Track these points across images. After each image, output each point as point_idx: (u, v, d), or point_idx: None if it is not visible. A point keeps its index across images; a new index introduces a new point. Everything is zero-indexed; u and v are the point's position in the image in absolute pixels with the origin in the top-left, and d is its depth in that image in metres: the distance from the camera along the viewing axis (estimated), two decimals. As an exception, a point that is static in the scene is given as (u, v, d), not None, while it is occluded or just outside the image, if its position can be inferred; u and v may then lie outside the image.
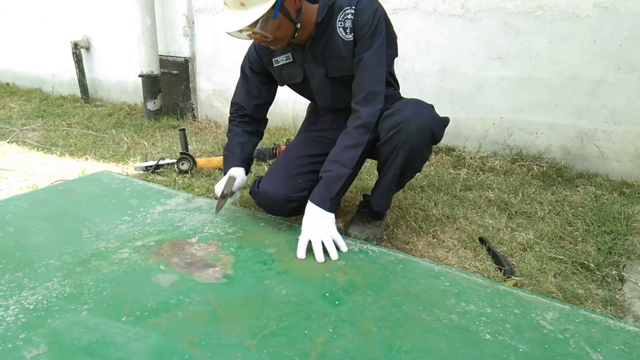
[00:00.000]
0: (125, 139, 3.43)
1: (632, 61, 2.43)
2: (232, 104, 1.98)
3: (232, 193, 1.84)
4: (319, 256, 1.56)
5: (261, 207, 1.85)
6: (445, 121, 1.68)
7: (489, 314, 1.31)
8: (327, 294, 1.38)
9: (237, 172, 1.84)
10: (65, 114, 4.40)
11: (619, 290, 1.54)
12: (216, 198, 1.86)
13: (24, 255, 1.59)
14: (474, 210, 2.19)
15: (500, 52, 2.75)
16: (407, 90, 2.85)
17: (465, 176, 2.61)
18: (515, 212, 2.17)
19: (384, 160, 1.68)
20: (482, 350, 1.17)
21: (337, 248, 1.62)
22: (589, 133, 2.62)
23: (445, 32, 2.86)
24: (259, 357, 1.12)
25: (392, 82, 1.91)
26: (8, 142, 3.45)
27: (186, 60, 3.96)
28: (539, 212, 2.16)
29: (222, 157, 2.66)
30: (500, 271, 1.63)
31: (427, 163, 2.83)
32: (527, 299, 1.39)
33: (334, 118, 1.94)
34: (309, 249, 1.60)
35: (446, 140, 3.01)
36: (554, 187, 2.48)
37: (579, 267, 1.67)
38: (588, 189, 2.42)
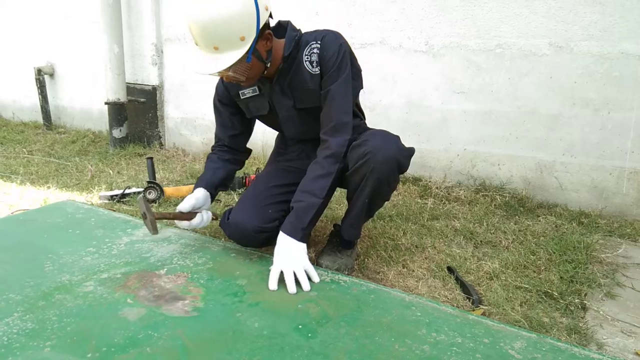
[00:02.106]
0: (90, 166, 3.35)
1: (585, 97, 2.57)
2: (215, 135, 2.00)
3: (150, 214, 1.75)
4: (291, 287, 1.55)
5: (232, 239, 1.84)
6: (410, 151, 1.73)
7: (459, 343, 1.33)
8: (300, 326, 1.37)
9: (199, 193, 1.82)
10: (26, 140, 4.27)
11: (581, 318, 1.59)
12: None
13: (-18, 289, 1.52)
14: (441, 240, 2.23)
15: (462, 87, 2.86)
16: (375, 121, 2.93)
17: (432, 205, 2.67)
18: (481, 241, 2.23)
19: (353, 189, 1.71)
20: (455, 381, 1.18)
21: (309, 278, 1.62)
22: (547, 165, 2.74)
23: (411, 67, 2.97)
24: (231, 393, 1.10)
25: (357, 113, 1.96)
26: (-36, 170, 3.32)
27: (154, 89, 3.93)
28: (503, 242, 2.22)
29: (190, 186, 2.66)
30: (469, 300, 1.66)
31: (395, 192, 2.89)
32: (495, 328, 1.42)
33: (302, 148, 1.96)
34: (281, 280, 1.59)
35: (413, 171, 3.08)
36: (517, 216, 2.56)
37: (543, 296, 1.72)
38: (549, 219, 2.51)
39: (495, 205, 2.70)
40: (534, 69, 2.66)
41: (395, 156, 1.64)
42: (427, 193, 2.86)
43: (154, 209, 2.39)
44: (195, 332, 1.33)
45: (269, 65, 1.68)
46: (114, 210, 2.35)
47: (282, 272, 1.59)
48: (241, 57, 1.52)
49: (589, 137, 2.61)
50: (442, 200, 2.78)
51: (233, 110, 1.93)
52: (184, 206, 1.77)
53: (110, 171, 3.32)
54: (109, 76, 3.77)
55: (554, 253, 2.05)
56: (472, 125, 2.89)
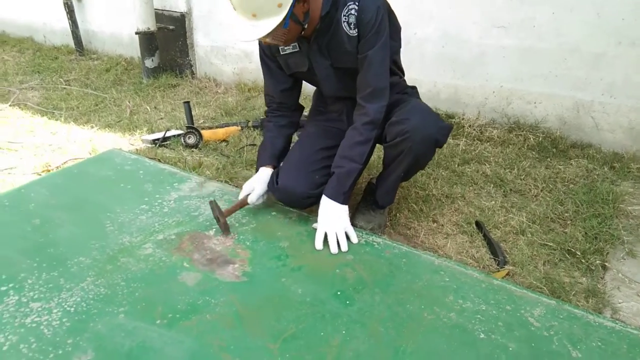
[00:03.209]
0: (128, 102, 3.45)
1: (633, 36, 2.45)
2: (265, 95, 2.03)
3: (223, 217, 1.82)
4: (333, 248, 1.70)
5: (280, 202, 1.94)
6: (448, 129, 1.76)
7: (483, 311, 1.47)
8: (339, 293, 1.53)
9: (264, 175, 1.91)
10: (62, 68, 4.36)
11: (601, 278, 1.70)
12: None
13: (55, 252, 1.71)
14: (471, 188, 2.31)
15: (502, 21, 2.74)
16: (409, 56, 2.89)
17: (463, 147, 2.71)
18: (510, 189, 2.30)
19: (390, 160, 1.78)
20: (478, 350, 1.33)
21: (348, 238, 1.76)
22: (585, 104, 2.69)
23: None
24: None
25: (396, 71, 1.96)
26: (10, 106, 3.47)
27: (182, 16, 3.88)
28: (532, 190, 2.28)
29: (226, 128, 2.75)
30: (495, 260, 1.78)
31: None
32: (517, 294, 1.55)
33: (341, 107, 1.99)
34: (324, 239, 1.74)
35: (446, 107, 3.08)
36: (549, 159, 2.59)
37: (566, 254, 1.82)
38: (580, 162, 2.53)
39: (527, 146, 2.72)
40: (580, 4, 2.52)
41: (434, 136, 1.69)
42: (459, 132, 2.88)
43: (194, 155, 2.50)
44: (246, 298, 1.51)
45: (306, 26, 1.67)
46: (158, 160, 2.49)
47: (325, 233, 1.74)
48: (279, 24, 1.53)
49: (631, 78, 2.53)
50: (474, 141, 2.80)
51: (279, 63, 1.95)
52: (252, 198, 1.87)
53: (147, 107, 3.42)
54: (137, 4, 3.71)
55: (582, 205, 2.12)
56: (510, 62, 2.81)
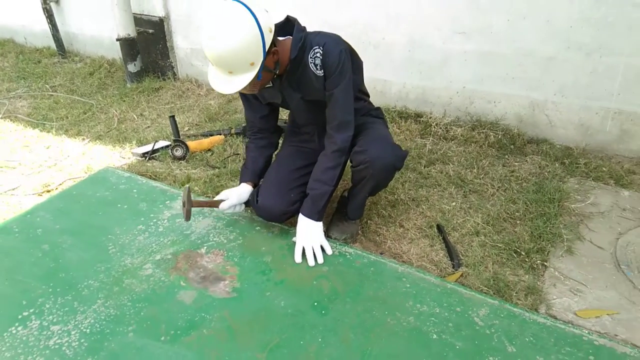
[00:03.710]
0: (115, 111, 3.62)
1: (580, 41, 2.68)
2: (246, 120, 2.26)
3: (189, 204, 2.04)
4: (311, 261, 1.97)
5: (260, 217, 2.20)
6: (405, 155, 2.00)
7: (437, 314, 1.75)
8: (316, 304, 1.80)
9: (242, 190, 2.15)
10: (46, 73, 4.48)
11: (541, 276, 1.98)
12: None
13: (67, 276, 1.94)
14: (435, 190, 2.56)
15: (463, 27, 2.94)
16: (379, 59, 3.08)
17: (430, 147, 2.95)
18: (470, 190, 2.56)
19: (357, 182, 2.02)
20: (430, 350, 1.61)
21: (324, 250, 2.02)
22: (540, 103, 2.93)
23: (414, 6, 3.01)
24: (269, 368, 1.55)
25: (362, 97, 2.18)
26: (2, 118, 3.62)
27: (161, 20, 4.00)
28: (489, 190, 2.55)
29: (211, 138, 2.97)
30: (451, 264, 2.05)
31: (398, 131, 3.16)
32: (467, 296, 1.83)
33: (312, 129, 2.21)
34: (303, 253, 2.00)
35: (415, 106, 3.30)
36: (506, 156, 2.85)
37: (513, 254, 2.09)
38: (535, 159, 2.80)
39: (488, 143, 2.97)
40: (532, 12, 2.73)
41: (391, 163, 1.94)
42: (427, 132, 3.11)
43: (182, 168, 2.72)
44: (237, 312, 1.76)
45: (277, 72, 1.89)
46: (150, 177, 2.70)
47: (303, 248, 2.00)
48: (252, 79, 1.74)
49: (579, 79, 2.77)
50: (440, 140, 3.05)
51: (255, 95, 2.14)
52: (223, 205, 2.09)
53: (134, 115, 3.59)
54: (116, 11, 3.83)
55: (531, 204, 2.39)
56: (471, 65, 3.03)
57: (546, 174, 2.66)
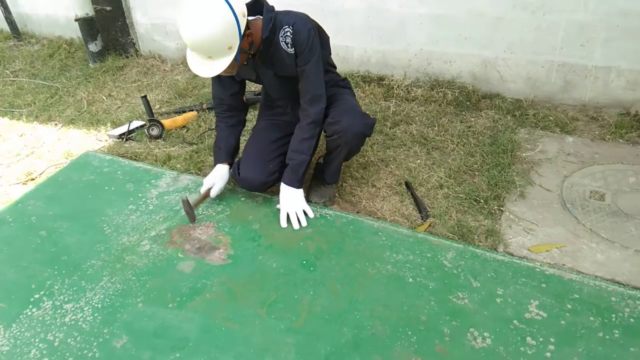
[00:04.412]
0: (83, 94, 3.64)
1: (524, 1, 2.88)
2: (213, 97, 2.37)
3: (192, 210, 2.23)
4: (295, 225, 2.18)
5: (243, 188, 2.37)
6: (372, 123, 2.19)
7: (411, 260, 1.99)
8: (304, 262, 2.01)
9: (222, 172, 2.31)
10: (4, 58, 4.40)
11: (498, 219, 2.25)
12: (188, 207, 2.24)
13: (69, 258, 2.08)
14: (401, 150, 2.78)
15: (418, -8, 3.10)
16: (341, 26, 3.23)
17: (394, 109, 3.15)
18: (432, 147, 2.79)
19: (332, 150, 2.21)
20: (407, 292, 1.86)
21: (306, 214, 2.22)
22: (491, 61, 3.16)
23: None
24: (269, 321, 1.76)
25: (330, 69, 2.34)
26: (-34, 109, 3.58)
27: (118, -4, 3.96)
28: (450, 145, 2.78)
29: (184, 115, 3.08)
30: (420, 216, 2.29)
31: (363, 95, 3.34)
32: (435, 243, 2.08)
33: (285, 102, 2.37)
34: (287, 219, 2.20)
35: (377, 70, 3.47)
36: (463, 113, 3.08)
37: (473, 202, 2.35)
38: (489, 113, 3.04)
39: (446, 101, 3.19)
40: (480, -25, 2.90)
41: (362, 131, 2.13)
42: (389, 94, 3.30)
43: (160, 147, 2.82)
44: (234, 277, 1.96)
45: (252, 52, 2.02)
46: (131, 157, 2.80)
47: (287, 214, 2.19)
48: (231, 62, 1.87)
49: (526, 36, 2.99)
50: (402, 101, 3.25)
51: None
52: (214, 192, 2.28)
53: (102, 96, 3.62)
54: (70, -9, 3.78)
55: (487, 155, 2.64)
56: (427, 28, 3.20)
57: (499, 126, 2.91)
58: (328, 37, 2.20)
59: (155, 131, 2.98)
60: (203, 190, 2.30)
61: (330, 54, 2.28)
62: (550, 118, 2.96)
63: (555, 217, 2.24)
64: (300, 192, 2.22)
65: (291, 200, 2.20)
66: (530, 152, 2.68)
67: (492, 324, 1.71)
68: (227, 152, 2.34)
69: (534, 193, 2.40)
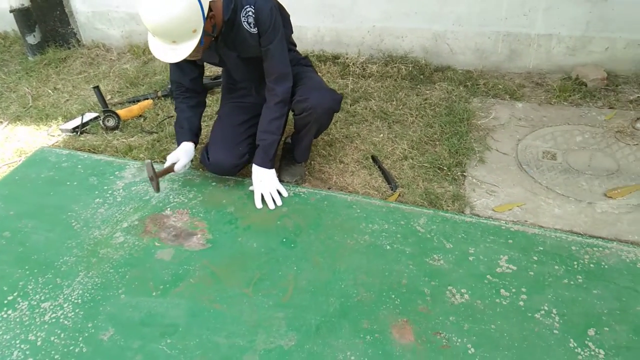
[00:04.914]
0: (26, 89, 3.45)
1: (470, -25, 3.00)
2: (171, 81, 2.32)
3: (156, 177, 2.19)
4: (271, 205, 2.20)
5: (213, 173, 2.35)
6: (340, 98, 2.23)
7: (386, 229, 2.07)
8: (284, 240, 2.04)
9: (187, 147, 2.27)
10: None
11: (462, 184, 2.37)
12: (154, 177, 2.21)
13: (39, 257, 2.01)
14: (364, 125, 2.84)
15: (367, -31, 3.14)
16: (293, 7, 3.21)
17: (352, 86, 3.20)
18: (393, 121, 2.87)
19: (301, 127, 2.23)
20: (386, 258, 1.94)
21: (280, 194, 2.24)
22: (441, 34, 3.26)
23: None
24: (257, 299, 1.79)
25: (291, 47, 2.35)
26: None
27: (53, -16, 3.76)
28: (409, 118, 2.87)
29: (139, 104, 3.01)
30: (389, 187, 2.37)
31: (320, 74, 3.35)
32: (407, 211, 2.17)
33: (249, 84, 2.37)
34: (262, 199, 2.21)
35: (331, 49, 3.51)
36: (419, 86, 3.18)
37: (437, 170, 2.45)
38: (442, 86, 3.16)
39: (401, 76, 3.28)
40: (427, -49, 2.98)
41: (331, 107, 2.17)
42: (346, 72, 3.35)
43: (118, 137, 2.75)
44: (216, 259, 1.97)
45: (215, 34, 2.00)
46: (90, 151, 2.71)
47: (262, 194, 2.20)
48: (196, 46, 1.85)
49: (472, 9, 3.12)
50: (359, 79, 3.30)
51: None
52: (178, 167, 2.22)
53: (49, 90, 3.46)
54: (1, -20, 3.55)
55: (445, 125, 2.75)
56: (378, 4, 3.26)
57: (454, 97, 3.03)
58: (289, 15, 2.21)
59: (111, 122, 2.89)
60: (167, 165, 2.26)
61: (292, 32, 2.29)
62: (500, 86, 3.11)
63: (513, 178, 2.38)
64: (272, 172, 2.24)
65: (265, 181, 2.22)
66: (485, 119, 2.82)
67: (468, 281, 1.82)
68: (190, 131, 2.31)
69: (492, 157, 2.53)
